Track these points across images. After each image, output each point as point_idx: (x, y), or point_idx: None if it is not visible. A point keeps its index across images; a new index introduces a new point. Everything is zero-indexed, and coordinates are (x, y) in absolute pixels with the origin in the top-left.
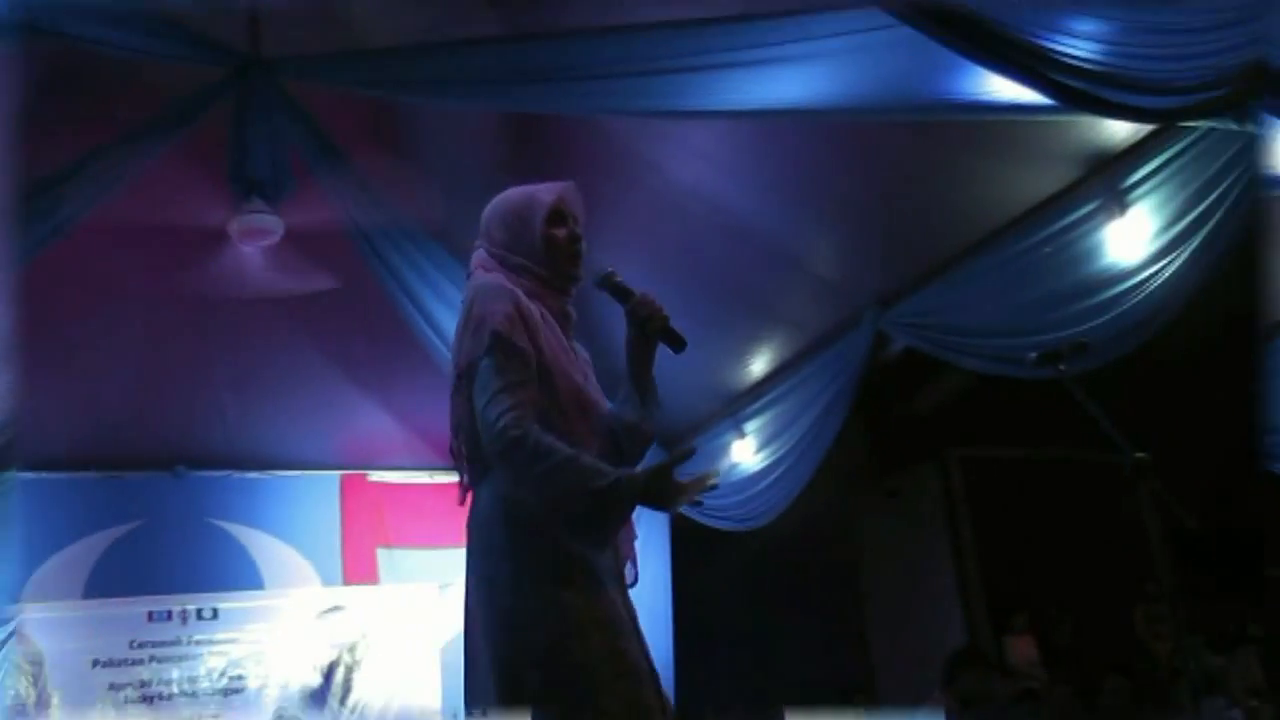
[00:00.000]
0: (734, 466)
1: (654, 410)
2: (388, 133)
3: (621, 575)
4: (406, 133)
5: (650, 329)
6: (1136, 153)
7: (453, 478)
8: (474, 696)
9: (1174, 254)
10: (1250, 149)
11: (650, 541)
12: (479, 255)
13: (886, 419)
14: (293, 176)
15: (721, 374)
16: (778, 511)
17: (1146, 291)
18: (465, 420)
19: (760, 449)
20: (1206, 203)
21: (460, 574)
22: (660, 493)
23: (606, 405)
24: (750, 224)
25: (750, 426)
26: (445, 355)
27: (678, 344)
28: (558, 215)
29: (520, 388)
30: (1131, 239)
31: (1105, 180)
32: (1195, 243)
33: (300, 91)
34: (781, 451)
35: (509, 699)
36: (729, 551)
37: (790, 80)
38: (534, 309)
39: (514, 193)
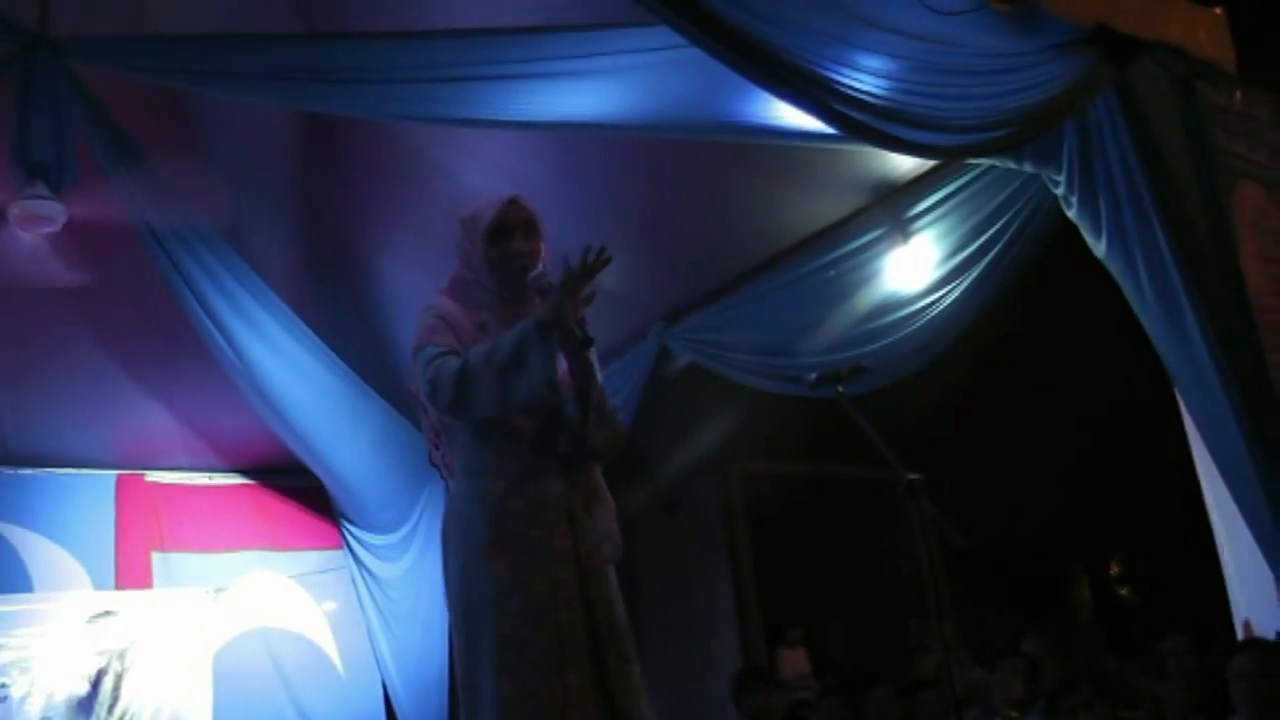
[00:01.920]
0: None
1: (593, 413)
2: (179, 126)
3: (589, 555)
4: (198, 127)
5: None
6: (921, 184)
7: (230, 480)
8: None
9: (954, 284)
10: (1027, 187)
11: (430, 545)
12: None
13: (666, 433)
14: (78, 163)
15: None
16: None
17: (926, 318)
18: (432, 434)
19: None
20: (986, 236)
21: (233, 579)
22: (555, 308)
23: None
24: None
25: None
26: (228, 354)
27: (582, 340)
28: (498, 232)
29: (443, 361)
30: (913, 267)
31: (890, 209)
32: (974, 274)
33: (92, 77)
34: None
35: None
36: None
37: (581, 93)
38: (473, 317)
39: (468, 209)
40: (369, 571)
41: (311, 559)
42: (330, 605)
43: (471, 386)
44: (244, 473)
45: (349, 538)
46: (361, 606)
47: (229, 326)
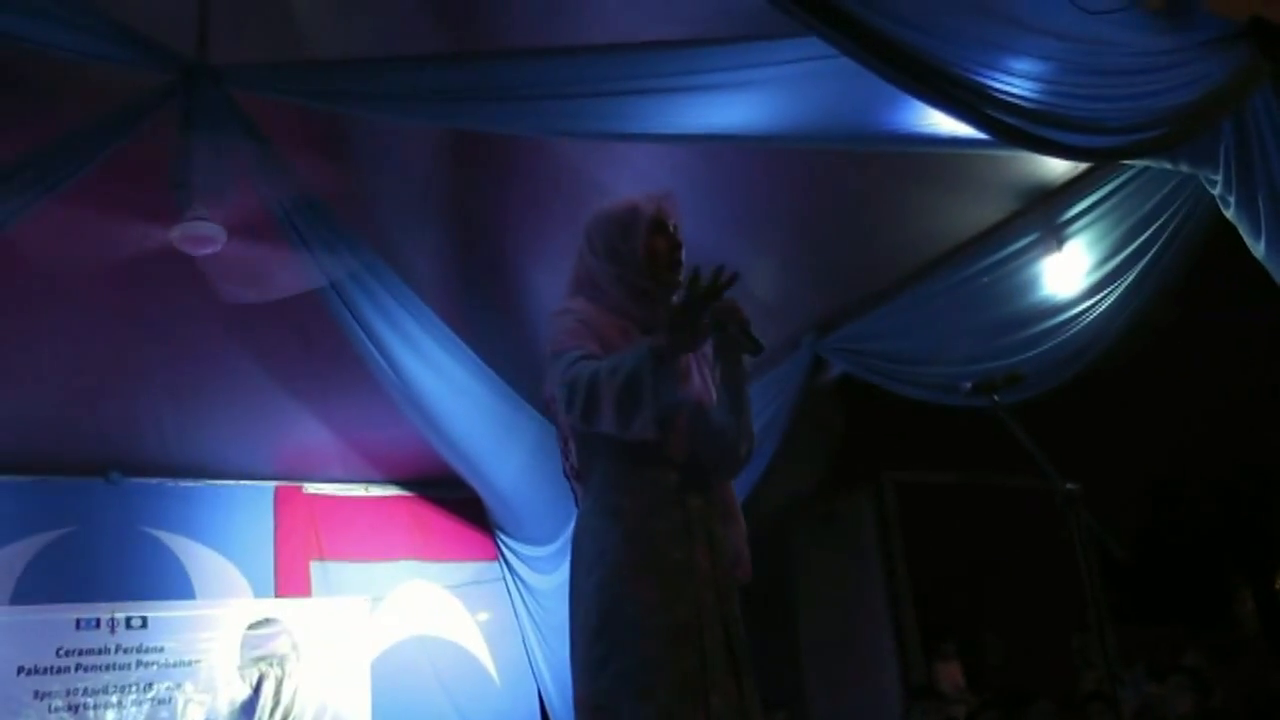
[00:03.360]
0: None
1: (741, 419)
2: (333, 147)
3: (723, 575)
4: (353, 148)
5: (729, 329)
6: (1074, 188)
7: (386, 492)
8: None
9: (1109, 289)
10: (1183, 188)
11: None
12: (572, 274)
13: (820, 444)
14: (236, 185)
15: None
16: None
17: (1081, 325)
18: (562, 443)
19: None
20: (1141, 239)
21: (391, 589)
22: (685, 323)
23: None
24: (689, 245)
25: None
26: (385, 369)
27: (754, 348)
28: (658, 224)
29: (582, 365)
30: (1067, 273)
31: (1043, 214)
32: (1130, 278)
33: (248, 101)
34: None
35: (580, 704)
36: None
37: (733, 106)
38: (613, 320)
39: (616, 204)
40: (524, 583)
41: (466, 570)
42: (483, 616)
43: (599, 401)
44: (400, 484)
45: (504, 549)
46: (517, 617)
47: (385, 342)
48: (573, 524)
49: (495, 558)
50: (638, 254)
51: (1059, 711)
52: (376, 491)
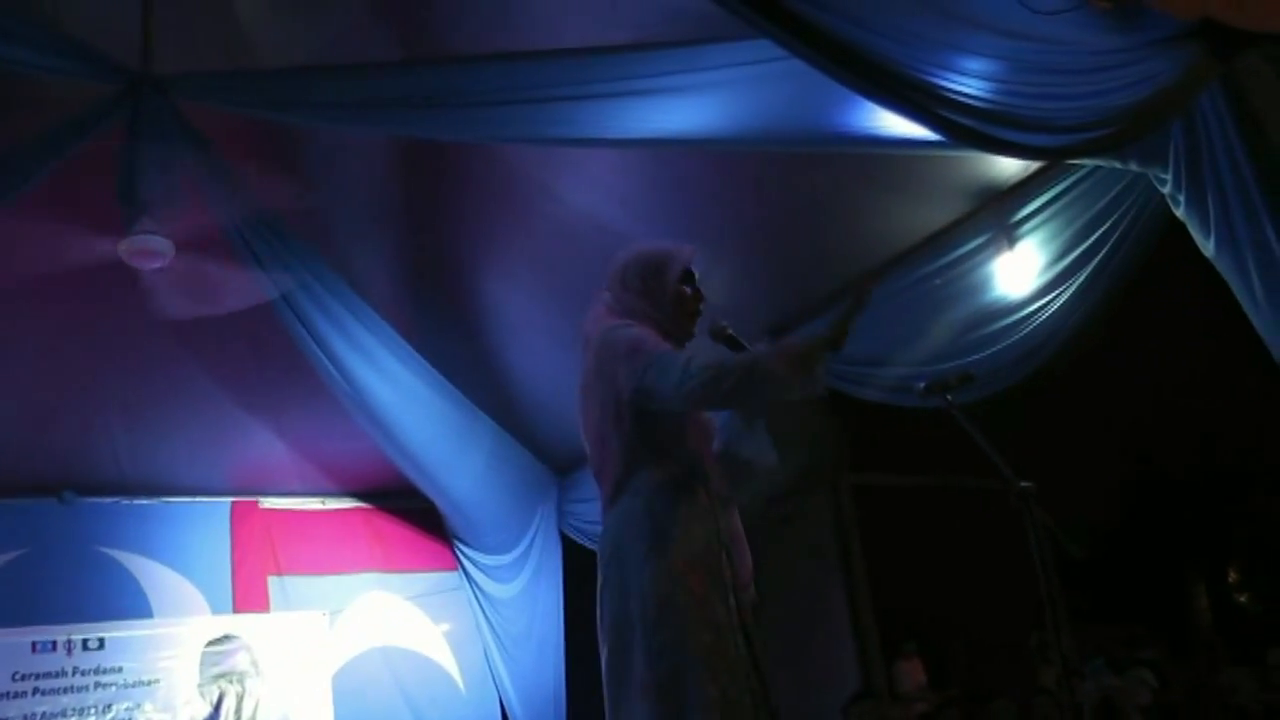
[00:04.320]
0: None
1: (768, 448)
2: (282, 157)
3: (740, 586)
4: (302, 157)
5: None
6: (1025, 188)
7: (343, 504)
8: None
9: (1061, 288)
10: (1134, 187)
11: (544, 566)
12: (603, 301)
13: (777, 447)
14: (184, 198)
15: None
16: None
17: (1034, 324)
18: (614, 442)
19: None
20: (1093, 238)
21: (351, 601)
22: (841, 330)
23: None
24: None
25: None
26: (339, 381)
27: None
28: (689, 275)
29: (707, 357)
30: (1020, 273)
31: (994, 214)
32: (1081, 277)
33: (195, 111)
34: None
35: (630, 688)
36: None
37: (684, 109)
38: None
39: (653, 246)
40: (483, 592)
41: (426, 580)
42: (446, 625)
43: (757, 379)
44: (357, 496)
45: (463, 559)
46: (478, 626)
47: (338, 353)
48: (607, 529)
49: (455, 567)
50: (667, 294)
51: (1018, 709)
52: (333, 504)
